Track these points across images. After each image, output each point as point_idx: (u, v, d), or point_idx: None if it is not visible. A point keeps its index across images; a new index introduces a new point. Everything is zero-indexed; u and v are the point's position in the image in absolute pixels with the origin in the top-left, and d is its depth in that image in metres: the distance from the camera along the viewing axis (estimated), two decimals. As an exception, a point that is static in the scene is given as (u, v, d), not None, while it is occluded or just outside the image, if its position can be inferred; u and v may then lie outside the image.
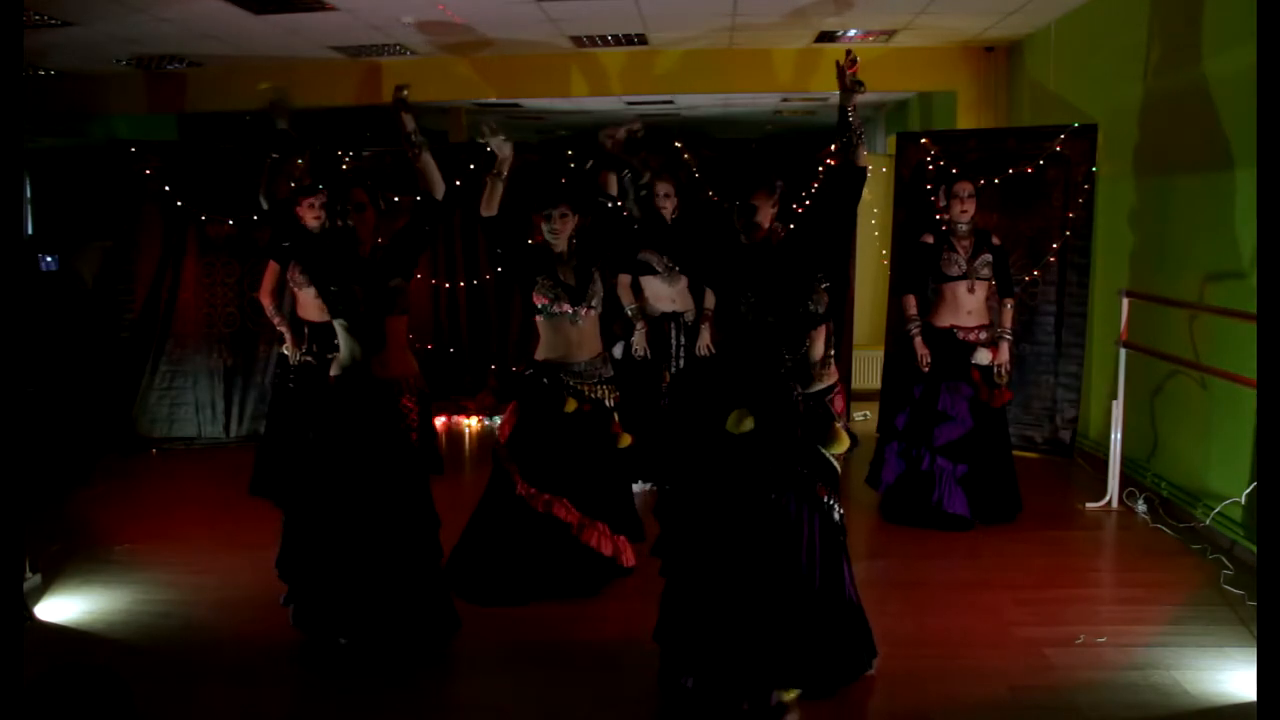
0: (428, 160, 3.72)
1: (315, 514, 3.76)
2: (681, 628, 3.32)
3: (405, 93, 3.73)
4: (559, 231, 4.19)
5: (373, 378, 3.74)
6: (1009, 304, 5.25)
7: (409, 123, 3.73)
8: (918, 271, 5.26)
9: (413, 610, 3.74)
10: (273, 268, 5.59)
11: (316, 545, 3.74)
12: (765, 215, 3.34)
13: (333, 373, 3.85)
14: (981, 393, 5.12)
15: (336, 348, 5.58)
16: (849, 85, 3.27)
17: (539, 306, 4.22)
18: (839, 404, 3.68)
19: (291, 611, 3.86)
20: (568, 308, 4.19)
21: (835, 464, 3.41)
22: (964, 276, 5.11)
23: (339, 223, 3.76)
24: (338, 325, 3.80)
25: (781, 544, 3.24)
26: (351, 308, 3.70)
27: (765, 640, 3.21)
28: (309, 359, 5.59)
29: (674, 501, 3.47)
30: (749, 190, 3.34)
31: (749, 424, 3.24)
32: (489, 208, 4.06)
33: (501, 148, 3.93)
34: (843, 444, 3.39)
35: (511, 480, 4.23)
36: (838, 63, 3.31)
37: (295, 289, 5.60)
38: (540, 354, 4.30)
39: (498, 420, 7.68)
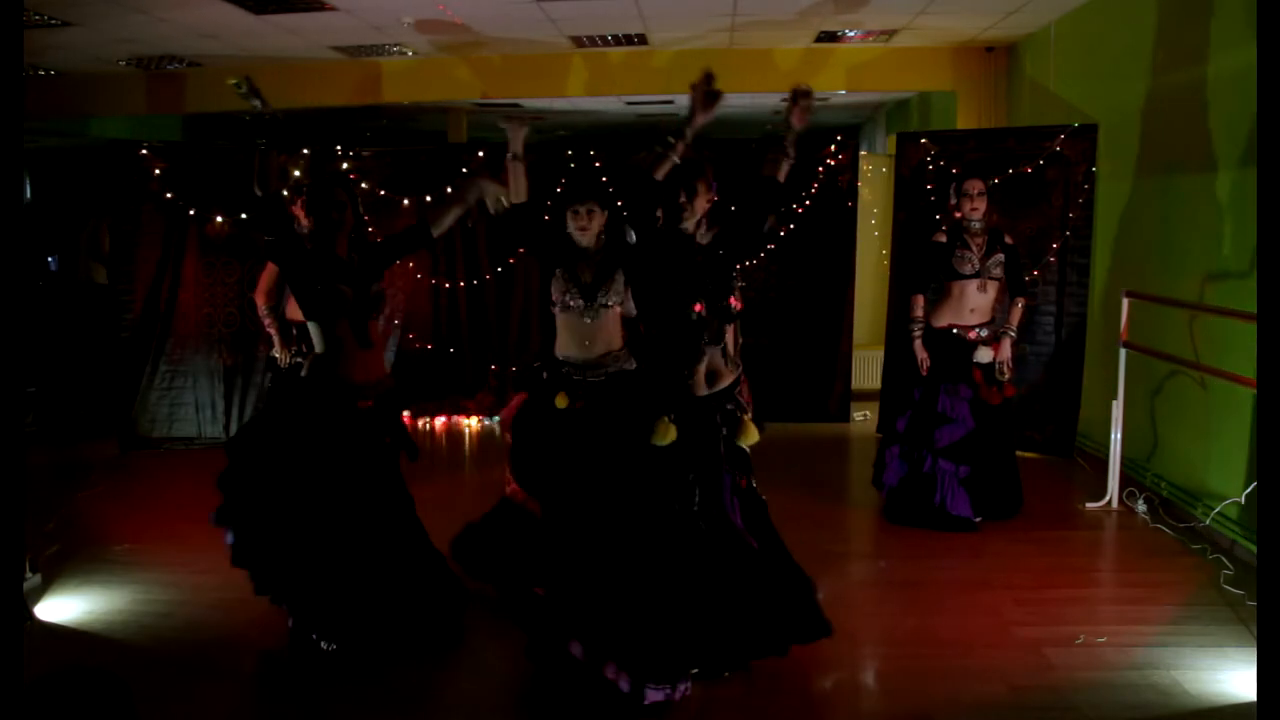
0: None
1: (291, 521, 3.77)
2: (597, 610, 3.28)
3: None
4: (586, 228, 4.16)
5: (347, 381, 3.75)
6: (1020, 302, 5.24)
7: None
8: (928, 272, 5.20)
9: (423, 597, 3.84)
10: (270, 268, 5.57)
11: (308, 557, 3.74)
12: (702, 205, 3.53)
13: (303, 374, 3.89)
14: (983, 391, 5.12)
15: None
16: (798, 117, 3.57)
17: (553, 300, 4.21)
18: (746, 394, 3.74)
19: (291, 626, 3.82)
20: (579, 303, 4.12)
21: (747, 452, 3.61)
22: (976, 275, 5.09)
23: (326, 219, 3.79)
24: (312, 327, 3.80)
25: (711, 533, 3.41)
26: (337, 309, 3.71)
27: (726, 612, 3.35)
28: (300, 360, 5.58)
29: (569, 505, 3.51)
30: (693, 177, 3.50)
31: (672, 434, 3.33)
32: (519, 194, 4.06)
33: (512, 129, 4.06)
34: (752, 437, 3.56)
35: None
36: (796, 93, 3.55)
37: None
38: (556, 349, 4.23)
39: (498, 420, 7.73)
